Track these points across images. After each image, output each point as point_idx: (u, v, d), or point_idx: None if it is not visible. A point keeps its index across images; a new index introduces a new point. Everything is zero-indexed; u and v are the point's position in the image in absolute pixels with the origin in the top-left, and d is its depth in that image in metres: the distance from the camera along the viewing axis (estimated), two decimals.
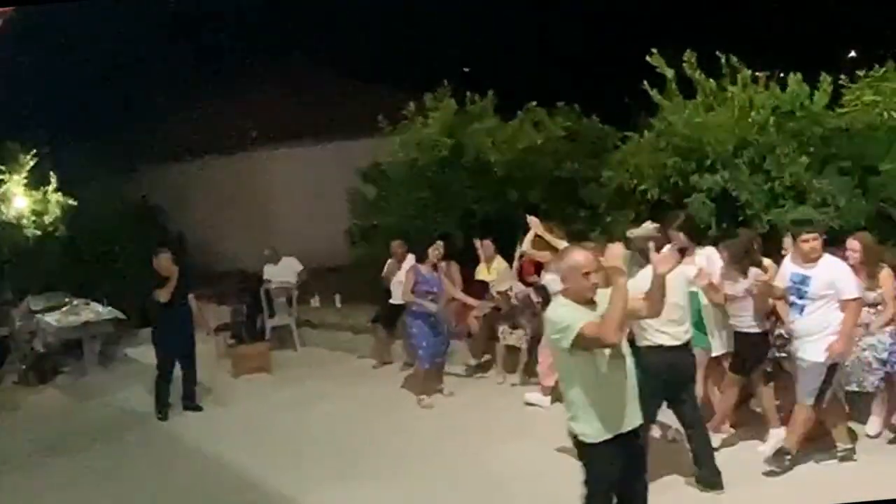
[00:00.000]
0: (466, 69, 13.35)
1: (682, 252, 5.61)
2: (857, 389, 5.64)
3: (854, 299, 5.15)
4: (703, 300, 5.71)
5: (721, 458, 5.28)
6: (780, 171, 6.94)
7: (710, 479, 5.07)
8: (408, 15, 13.45)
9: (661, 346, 4.94)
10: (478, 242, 8.62)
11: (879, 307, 5.75)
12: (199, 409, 8.08)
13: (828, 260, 5.24)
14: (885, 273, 5.76)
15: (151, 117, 13.61)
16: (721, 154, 7.11)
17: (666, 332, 4.93)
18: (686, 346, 5.05)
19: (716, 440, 5.59)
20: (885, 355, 5.53)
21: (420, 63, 12.43)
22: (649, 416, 4.65)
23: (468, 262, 8.72)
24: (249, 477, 6.22)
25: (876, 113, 6.67)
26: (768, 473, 5.20)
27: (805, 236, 5.22)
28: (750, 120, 7.13)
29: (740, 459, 5.46)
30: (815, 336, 5.15)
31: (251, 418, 7.81)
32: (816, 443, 5.39)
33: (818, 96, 7.12)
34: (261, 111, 13.69)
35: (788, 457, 5.23)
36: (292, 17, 13.54)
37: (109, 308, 10.21)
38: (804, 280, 5.18)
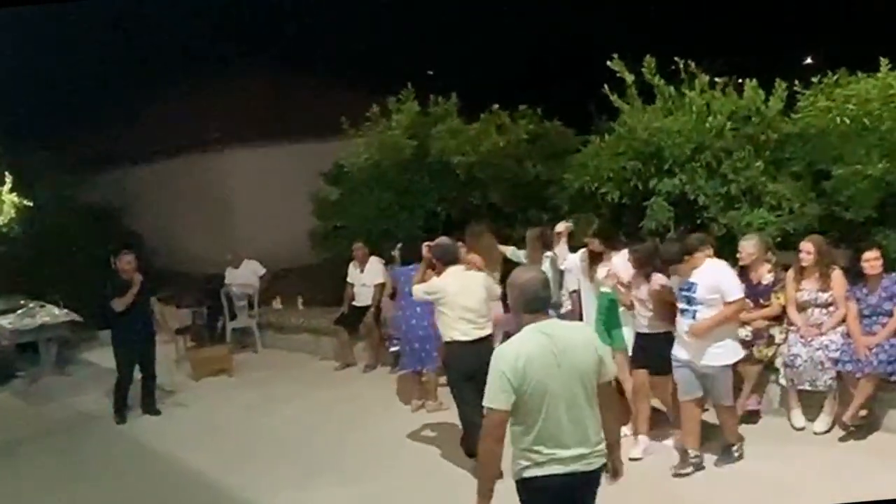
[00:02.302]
0: (430, 72, 13.38)
1: (599, 255, 5.96)
2: (809, 389, 5.79)
3: (735, 301, 5.26)
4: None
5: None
6: (737, 175, 7.08)
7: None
8: (371, 17, 13.44)
9: (455, 341, 5.69)
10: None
11: (831, 308, 5.91)
12: (157, 412, 7.99)
13: (711, 264, 5.35)
14: (836, 274, 5.92)
15: (111, 118, 13.39)
16: (679, 158, 7.23)
17: (458, 329, 5.68)
18: (477, 342, 5.62)
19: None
20: (836, 354, 5.69)
21: (383, 65, 12.41)
22: (461, 398, 5.69)
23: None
24: (210, 480, 6.17)
25: (829, 118, 6.80)
26: (717, 464, 5.40)
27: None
28: (707, 125, 7.25)
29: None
30: (715, 341, 5.24)
31: (212, 421, 7.74)
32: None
33: (773, 102, 7.26)
34: (222, 112, 13.53)
35: (734, 447, 5.42)
36: (254, 18, 13.44)
37: (66, 311, 10.03)
38: (690, 287, 5.27)
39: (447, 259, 5.88)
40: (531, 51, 13.58)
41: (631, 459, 5.60)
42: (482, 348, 5.46)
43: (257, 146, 13.52)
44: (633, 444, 5.81)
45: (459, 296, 5.68)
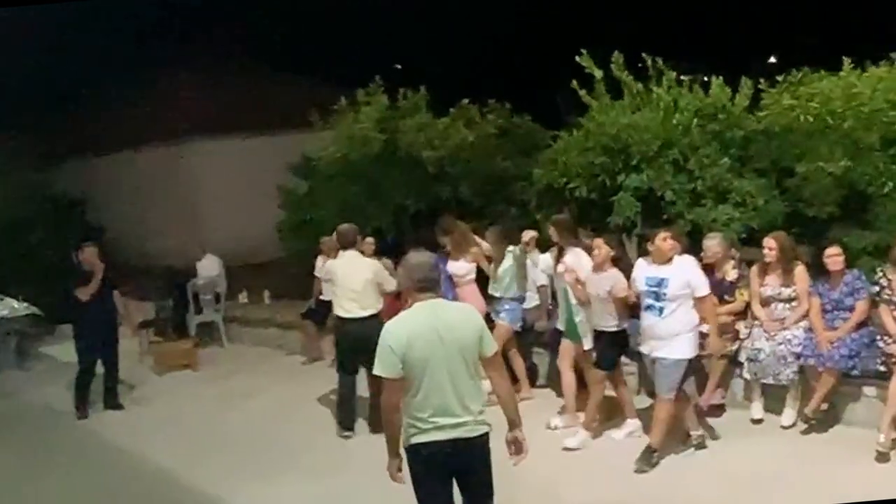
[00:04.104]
0: (398, 66, 13.33)
1: (561, 249, 6.07)
2: (772, 382, 5.87)
3: (706, 295, 5.32)
4: (573, 297, 6.00)
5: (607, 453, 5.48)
6: (703, 172, 7.16)
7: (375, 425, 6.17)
8: (340, 9, 13.34)
9: (340, 318, 6.48)
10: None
11: (794, 303, 5.99)
12: (120, 407, 7.87)
13: (680, 260, 5.37)
14: (799, 270, 6.00)
15: (74, 108, 13.15)
16: (646, 154, 7.28)
17: (342, 307, 6.43)
18: (360, 320, 6.31)
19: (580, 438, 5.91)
20: (799, 349, 5.77)
21: (352, 58, 12.34)
22: (349, 371, 6.49)
23: (400, 258, 8.70)
24: (174, 476, 6.09)
25: (793, 116, 6.91)
26: (638, 471, 5.33)
27: (663, 234, 5.34)
28: (674, 121, 7.32)
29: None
30: (676, 335, 5.25)
31: (175, 416, 7.64)
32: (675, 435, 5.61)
33: (739, 99, 7.36)
34: (189, 103, 13.37)
35: (655, 454, 5.41)
36: (222, 8, 13.28)
37: (26, 304, 9.83)
38: (661, 282, 5.25)
39: (343, 244, 6.58)
40: (501, 45, 13.59)
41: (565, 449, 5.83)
42: (365, 326, 6.21)
43: (224, 138, 13.36)
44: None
45: (345, 277, 6.43)
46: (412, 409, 3.58)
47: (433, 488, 3.63)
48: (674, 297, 5.21)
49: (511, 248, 6.91)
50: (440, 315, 3.59)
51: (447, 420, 3.54)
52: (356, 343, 6.34)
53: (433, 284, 3.70)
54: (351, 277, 6.41)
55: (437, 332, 3.52)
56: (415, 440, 3.60)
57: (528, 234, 6.61)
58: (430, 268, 3.71)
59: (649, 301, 5.32)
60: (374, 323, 6.26)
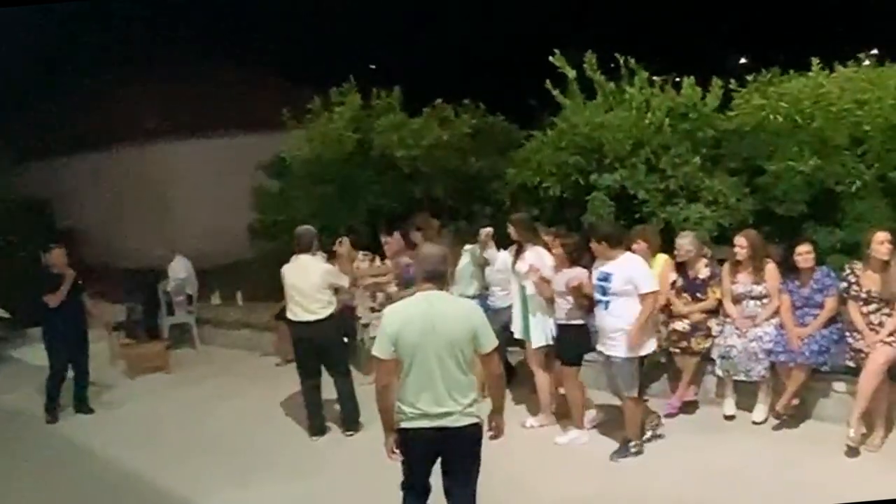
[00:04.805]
0: (372, 66, 13.32)
1: (520, 246, 6.11)
2: (744, 379, 5.93)
3: (650, 293, 5.33)
4: (529, 292, 6.03)
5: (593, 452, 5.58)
6: (675, 171, 7.22)
7: (349, 421, 6.50)
8: (314, 9, 13.29)
9: (290, 321, 6.48)
10: (384, 238, 8.59)
11: (765, 300, 6.05)
12: (91, 411, 7.75)
13: (627, 256, 5.47)
14: (770, 267, 6.07)
15: (43, 109, 12.96)
16: (619, 153, 7.33)
17: (291, 310, 6.45)
18: (308, 324, 6.32)
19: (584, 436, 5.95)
20: (770, 346, 5.83)
21: (326, 58, 12.30)
22: (307, 373, 6.50)
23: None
24: (146, 481, 6.00)
25: (763, 116, 7.00)
26: (613, 459, 5.48)
27: (593, 240, 5.51)
28: (646, 121, 7.37)
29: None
30: (622, 332, 5.30)
31: (148, 420, 7.55)
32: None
33: (710, 99, 7.43)
34: (161, 103, 13.25)
35: (632, 443, 5.50)
36: (195, 7, 13.17)
37: None
38: (607, 277, 5.36)
39: (300, 247, 6.50)
40: (475, 45, 13.61)
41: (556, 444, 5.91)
42: (314, 329, 6.33)
43: (197, 138, 13.24)
44: (562, 432, 6.04)
45: (294, 281, 6.40)
46: (401, 394, 3.75)
47: (416, 469, 3.87)
48: (617, 292, 5.30)
49: (468, 246, 6.92)
50: (437, 306, 3.74)
51: (434, 409, 3.70)
52: (307, 346, 6.48)
53: (438, 276, 3.84)
54: (299, 281, 6.39)
55: (430, 321, 3.68)
56: (403, 425, 3.79)
57: (485, 231, 6.61)
58: (439, 260, 3.87)
59: (598, 295, 5.44)
60: (324, 326, 6.38)
